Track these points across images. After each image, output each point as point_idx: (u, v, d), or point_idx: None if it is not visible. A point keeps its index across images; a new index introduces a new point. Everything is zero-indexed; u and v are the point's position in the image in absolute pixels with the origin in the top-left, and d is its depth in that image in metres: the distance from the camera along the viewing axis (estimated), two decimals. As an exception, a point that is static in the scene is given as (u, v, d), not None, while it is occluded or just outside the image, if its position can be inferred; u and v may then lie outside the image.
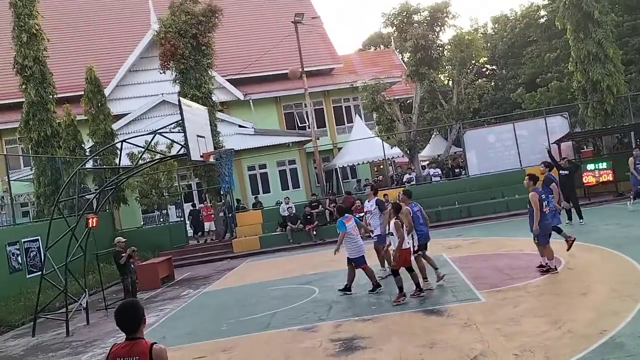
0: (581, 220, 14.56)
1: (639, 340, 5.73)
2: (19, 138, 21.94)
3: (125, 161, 18.77)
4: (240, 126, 25.98)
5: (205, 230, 23.88)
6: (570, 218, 14.81)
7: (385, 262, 11.37)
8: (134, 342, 3.56)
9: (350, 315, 8.70)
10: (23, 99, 20.98)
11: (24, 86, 20.55)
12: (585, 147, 25.89)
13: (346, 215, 10.36)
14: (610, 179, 19.17)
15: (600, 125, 21.46)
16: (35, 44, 20.44)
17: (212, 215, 22.97)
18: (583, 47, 21.41)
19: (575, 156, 21.18)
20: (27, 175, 23.45)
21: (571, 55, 22.62)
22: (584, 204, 17.14)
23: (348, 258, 10.13)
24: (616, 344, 5.75)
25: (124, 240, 13.54)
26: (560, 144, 20.39)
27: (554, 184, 12.09)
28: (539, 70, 34.64)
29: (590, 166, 19.50)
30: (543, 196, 9.35)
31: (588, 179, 19.33)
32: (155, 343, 3.61)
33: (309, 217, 20.20)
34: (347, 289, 10.20)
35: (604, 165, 19.37)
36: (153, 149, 15.24)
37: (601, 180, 19.27)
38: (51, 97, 20.95)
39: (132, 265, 13.53)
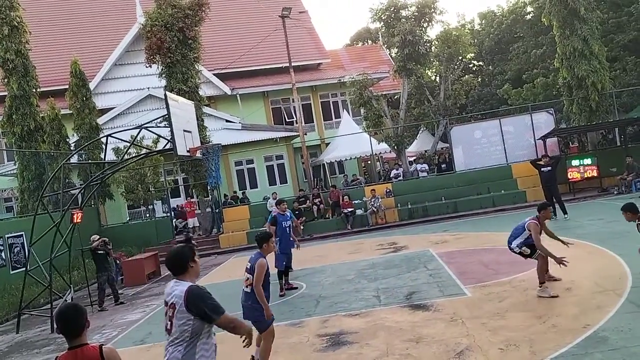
0: (566, 216, 14.72)
1: (622, 334, 5.80)
2: (2, 132, 21.64)
3: (110, 156, 18.63)
4: (227, 121, 25.85)
5: (190, 226, 23.78)
6: (554, 214, 14.96)
7: None
8: (79, 349, 3.31)
9: (338, 311, 8.71)
10: (5, 93, 20.70)
11: (6, 80, 20.29)
12: (571, 143, 26.15)
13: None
14: (595, 174, 19.36)
15: (585, 121, 21.67)
16: (17, 36, 20.20)
17: (195, 211, 22.90)
18: (569, 44, 21.58)
19: (561, 152, 21.40)
20: (10, 170, 23.16)
21: (557, 52, 22.79)
22: (568, 200, 17.34)
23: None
24: (600, 338, 5.81)
25: (97, 237, 13.27)
26: (546, 140, 20.57)
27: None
28: (525, 66, 34.86)
29: (574, 162, 19.69)
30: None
31: (573, 174, 19.52)
32: (104, 345, 3.40)
33: (296, 212, 20.20)
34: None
35: (589, 161, 19.56)
36: (139, 144, 15.14)
37: (586, 176, 19.46)
38: (34, 90, 20.72)
39: (109, 261, 13.33)
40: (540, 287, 7.79)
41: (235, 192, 25.05)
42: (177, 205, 24.49)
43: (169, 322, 3.79)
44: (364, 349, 6.66)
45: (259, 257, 6.36)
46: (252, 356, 6.36)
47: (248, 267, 6.42)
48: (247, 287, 6.36)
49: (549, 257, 7.79)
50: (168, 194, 24.15)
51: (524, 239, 8.00)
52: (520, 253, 8.14)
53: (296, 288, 10.93)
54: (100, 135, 20.58)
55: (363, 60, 33.20)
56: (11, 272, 14.89)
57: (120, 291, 14.75)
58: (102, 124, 23.44)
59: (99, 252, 12.77)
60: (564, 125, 24.98)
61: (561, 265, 7.64)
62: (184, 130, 12.47)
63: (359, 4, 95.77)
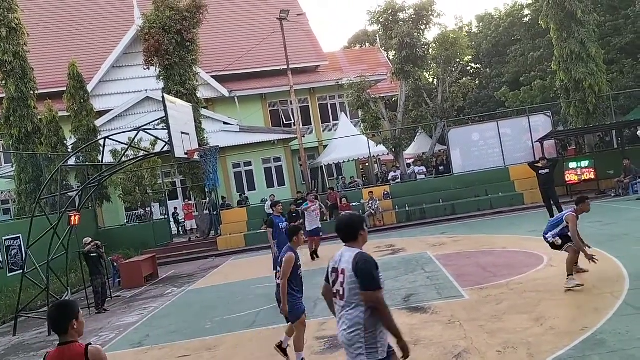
0: (563, 218, 14.70)
1: (620, 336, 5.80)
2: (-1, 134, 21.63)
3: (108, 158, 18.57)
4: (225, 123, 25.84)
5: (187, 228, 23.81)
6: (552, 215, 14.96)
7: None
8: (65, 346, 3.36)
9: (335, 313, 8.69)
10: (3, 95, 20.66)
11: (3, 82, 20.25)
12: (568, 145, 26.21)
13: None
14: (592, 177, 19.42)
15: (583, 124, 21.72)
16: (15, 38, 20.15)
17: (193, 213, 22.93)
18: (566, 47, 21.64)
19: (558, 154, 21.45)
20: (7, 172, 23.12)
21: (554, 55, 22.86)
22: (566, 202, 17.32)
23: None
24: (597, 340, 5.82)
25: (90, 240, 13.26)
26: (543, 142, 20.61)
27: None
28: (522, 69, 34.93)
29: (572, 164, 19.73)
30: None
31: (570, 177, 19.56)
32: (90, 344, 3.42)
33: (294, 215, 20.16)
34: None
35: (586, 163, 19.61)
36: (136, 146, 15.11)
37: (583, 178, 19.52)
38: (32, 92, 20.68)
39: (103, 264, 13.28)
40: (567, 278, 7.91)
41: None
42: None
43: (341, 288, 3.84)
44: (362, 352, 6.64)
45: (288, 250, 6.56)
46: (281, 342, 6.68)
47: (280, 260, 6.70)
48: (278, 279, 6.61)
49: (579, 251, 7.97)
50: (166, 196, 24.13)
51: (560, 229, 8.16)
52: (552, 243, 8.26)
53: None
54: (98, 138, 20.56)
55: (361, 63, 33.24)
56: (8, 275, 14.84)
57: (117, 293, 14.77)
58: (99, 126, 23.42)
59: (92, 255, 12.72)
60: (561, 127, 25.04)
61: (591, 261, 7.80)
62: (182, 133, 12.47)
63: (356, 7, 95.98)
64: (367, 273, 3.73)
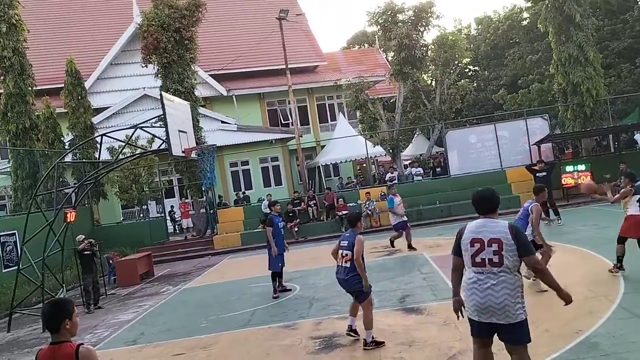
0: (560, 221, 14.76)
1: (614, 340, 5.83)
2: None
3: (105, 155, 18.58)
4: (222, 122, 25.81)
5: (184, 227, 23.77)
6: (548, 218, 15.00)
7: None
8: (57, 345, 3.33)
9: (331, 313, 8.71)
10: (1, 91, 20.61)
11: (2, 77, 20.19)
12: (565, 149, 26.29)
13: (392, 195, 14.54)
14: (589, 180, 19.44)
15: (580, 127, 21.78)
16: (14, 34, 20.07)
17: (189, 212, 22.90)
18: (564, 50, 21.70)
19: (555, 158, 21.50)
20: (4, 168, 23.05)
21: (552, 58, 22.91)
22: (562, 205, 17.40)
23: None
24: (591, 343, 5.84)
25: (83, 237, 13.21)
26: (540, 145, 20.66)
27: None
28: (520, 72, 35.03)
29: (569, 168, 19.77)
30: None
31: (567, 180, 19.61)
32: (82, 344, 3.37)
33: (291, 214, 20.19)
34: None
35: (583, 167, 19.65)
36: (134, 144, 15.10)
37: (580, 182, 19.52)
38: (30, 89, 20.59)
39: (96, 262, 13.23)
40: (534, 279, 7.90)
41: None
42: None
43: (495, 256, 4.16)
44: (357, 352, 6.66)
45: (355, 234, 6.94)
46: (349, 326, 7.13)
47: (345, 244, 6.98)
48: (346, 262, 6.91)
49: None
50: (162, 194, 24.08)
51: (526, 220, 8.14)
52: (532, 242, 8.12)
53: (290, 290, 10.93)
54: (95, 135, 20.52)
55: (359, 64, 33.24)
56: (3, 271, 14.80)
57: (112, 291, 14.75)
58: (97, 123, 23.36)
59: (85, 252, 12.65)
60: (558, 131, 25.11)
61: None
62: (179, 131, 12.47)
63: (356, 8, 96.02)
64: (525, 241, 4.20)
